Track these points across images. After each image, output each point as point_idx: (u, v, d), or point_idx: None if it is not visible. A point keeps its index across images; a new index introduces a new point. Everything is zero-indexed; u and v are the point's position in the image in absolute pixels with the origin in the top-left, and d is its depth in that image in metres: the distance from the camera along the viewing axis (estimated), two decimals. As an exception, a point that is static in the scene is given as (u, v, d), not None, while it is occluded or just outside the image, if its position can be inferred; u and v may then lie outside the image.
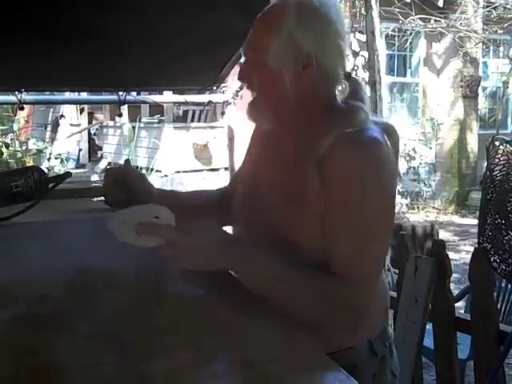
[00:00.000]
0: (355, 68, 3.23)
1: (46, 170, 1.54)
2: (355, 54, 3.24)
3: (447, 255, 2.54)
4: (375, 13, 3.15)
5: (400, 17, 9.52)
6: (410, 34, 10.44)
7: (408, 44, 10.77)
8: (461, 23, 10.25)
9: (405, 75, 11.51)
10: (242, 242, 1.26)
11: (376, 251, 1.31)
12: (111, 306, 1.00)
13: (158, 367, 0.82)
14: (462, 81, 11.03)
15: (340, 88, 1.42)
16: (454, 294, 2.74)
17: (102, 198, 1.43)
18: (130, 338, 0.90)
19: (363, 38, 3.24)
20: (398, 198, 10.69)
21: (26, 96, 3.26)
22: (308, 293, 1.23)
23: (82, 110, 7.81)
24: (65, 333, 0.90)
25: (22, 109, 3.30)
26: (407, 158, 10.93)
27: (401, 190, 10.82)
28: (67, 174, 1.41)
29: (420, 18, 10.03)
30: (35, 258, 1.18)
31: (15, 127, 9.61)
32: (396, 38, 10.48)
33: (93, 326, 0.93)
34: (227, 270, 1.20)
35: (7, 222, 1.31)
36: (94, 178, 9.88)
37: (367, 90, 3.23)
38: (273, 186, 1.36)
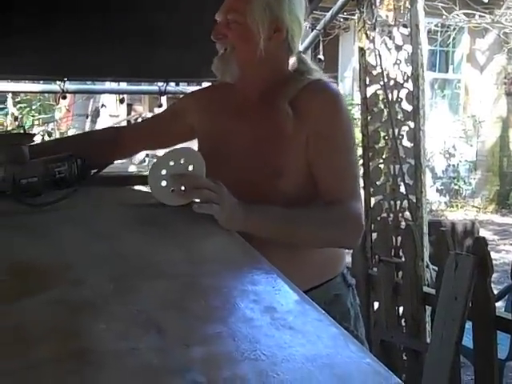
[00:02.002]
0: (398, 62, 3.18)
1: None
2: (398, 48, 3.19)
3: (489, 252, 2.50)
4: (420, 6, 3.10)
5: (444, 12, 9.39)
6: (454, 29, 10.28)
7: (451, 40, 10.61)
8: (506, 19, 10.06)
9: (447, 71, 11.33)
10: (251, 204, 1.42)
11: (357, 174, 1.61)
12: (150, 292, 1.01)
13: (196, 355, 0.82)
14: (505, 78, 10.83)
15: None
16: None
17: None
18: (169, 325, 0.89)
19: (406, 31, 3.18)
20: (437, 196, 10.57)
21: (68, 85, 3.30)
22: (320, 224, 1.49)
23: (121, 101, 7.88)
24: (102, 318, 0.90)
25: (64, 98, 3.35)
26: (447, 156, 10.79)
27: (439, 188, 10.69)
28: (109, 162, 1.42)
29: (464, 14, 9.86)
30: (75, 243, 1.19)
31: (57, 116, 9.75)
32: (439, 34, 10.33)
33: (131, 312, 0.93)
34: (249, 230, 1.37)
35: (49, 207, 1.32)
36: (132, 168, 9.97)
37: (410, 85, 3.18)
38: (248, 130, 1.57)
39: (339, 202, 1.50)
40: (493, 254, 2.59)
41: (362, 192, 1.70)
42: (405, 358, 3.10)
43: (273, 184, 1.51)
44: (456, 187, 10.86)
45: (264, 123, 1.56)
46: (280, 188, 1.52)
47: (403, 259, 3.05)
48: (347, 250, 1.79)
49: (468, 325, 2.56)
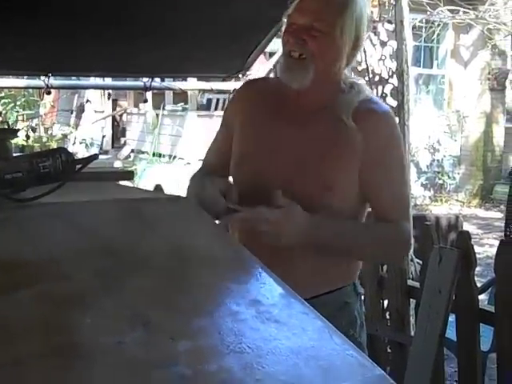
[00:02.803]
0: (383, 58, 3.19)
1: (72, 153, 1.55)
2: (383, 44, 3.20)
3: (472, 246, 2.52)
4: (405, 2, 3.11)
5: (428, 8, 9.42)
6: (438, 25, 10.31)
7: (435, 35, 10.64)
8: (490, 15, 10.11)
9: (431, 67, 11.38)
10: (315, 217, 1.48)
11: (409, 194, 1.70)
12: (136, 287, 1.01)
13: (182, 348, 0.82)
14: (489, 73, 10.89)
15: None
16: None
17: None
18: (155, 319, 0.90)
19: (391, 27, 3.20)
20: (421, 190, 10.62)
21: (52, 80, 3.28)
22: (376, 241, 1.59)
23: (109, 96, 7.86)
24: (88, 312, 0.91)
25: (49, 93, 3.33)
26: (431, 150, 10.85)
27: (424, 182, 10.75)
28: (94, 156, 1.41)
29: (448, 10, 9.90)
30: (61, 238, 1.18)
31: (41, 112, 9.70)
32: (423, 30, 10.36)
33: (117, 306, 0.93)
34: (310, 242, 1.47)
35: (34, 202, 1.32)
36: (117, 164, 9.93)
37: (394, 81, 3.20)
38: (302, 139, 1.56)
39: (393, 221, 1.57)
40: (476, 248, 2.61)
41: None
42: (389, 350, 3.12)
43: (321, 197, 1.53)
44: (440, 182, 10.92)
45: (322, 135, 1.55)
46: (328, 201, 1.53)
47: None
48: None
49: (451, 317, 2.59)
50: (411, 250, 3.09)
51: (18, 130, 7.12)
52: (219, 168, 1.71)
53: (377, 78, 3.25)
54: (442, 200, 10.65)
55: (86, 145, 10.34)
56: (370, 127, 1.53)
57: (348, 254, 1.59)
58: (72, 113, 11.33)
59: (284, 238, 1.45)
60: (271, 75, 3.63)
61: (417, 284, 2.86)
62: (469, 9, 9.99)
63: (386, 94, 3.21)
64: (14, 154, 1.49)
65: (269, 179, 1.55)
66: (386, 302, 3.13)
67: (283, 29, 1.58)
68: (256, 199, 1.53)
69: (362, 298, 1.79)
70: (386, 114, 1.60)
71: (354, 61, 1.63)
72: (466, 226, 7.66)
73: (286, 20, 1.56)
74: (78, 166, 1.38)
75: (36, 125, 9.56)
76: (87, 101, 9.67)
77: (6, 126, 7.91)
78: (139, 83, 3.68)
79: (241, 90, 1.83)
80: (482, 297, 3.07)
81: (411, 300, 2.98)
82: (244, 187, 1.60)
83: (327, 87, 1.58)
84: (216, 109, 10.73)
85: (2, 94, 9.13)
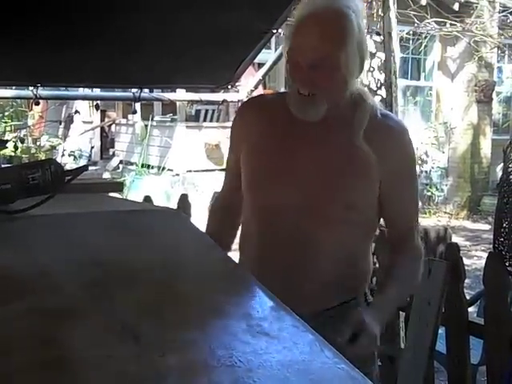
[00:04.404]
0: (371, 69, 3.21)
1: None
2: (371, 56, 3.22)
3: (461, 258, 2.53)
4: (393, 14, 3.14)
5: (415, 20, 9.50)
6: (425, 37, 10.41)
7: (422, 47, 10.74)
8: (476, 27, 10.21)
9: (418, 79, 11.47)
10: (374, 306, 1.62)
11: (418, 199, 1.77)
12: (126, 299, 1.00)
13: (172, 362, 0.82)
14: (476, 85, 10.98)
15: None
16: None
17: None
18: (145, 332, 0.89)
19: (379, 39, 3.22)
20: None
21: (41, 91, 3.28)
22: (409, 284, 1.71)
23: (97, 107, 7.84)
24: (78, 325, 0.90)
25: (37, 104, 3.32)
26: (419, 162, 10.89)
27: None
28: (84, 168, 1.40)
29: (435, 22, 10.00)
30: (50, 250, 1.18)
31: (30, 122, 9.66)
32: (410, 42, 10.46)
33: (107, 320, 0.92)
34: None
35: (23, 214, 1.31)
36: (106, 175, 9.91)
37: (383, 92, 3.22)
38: (315, 155, 1.56)
39: (405, 239, 1.66)
40: (465, 260, 2.62)
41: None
42: (379, 363, 3.11)
43: (343, 215, 1.55)
44: (428, 193, 10.97)
45: (336, 154, 1.56)
46: (349, 219, 1.56)
47: (377, 266, 3.06)
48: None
49: (441, 330, 2.59)
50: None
51: (7, 140, 7.09)
52: (238, 190, 1.72)
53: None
54: (430, 212, 10.69)
55: (75, 157, 10.31)
56: (387, 145, 1.56)
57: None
58: (60, 124, 11.29)
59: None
60: (260, 86, 3.63)
61: (406, 296, 2.86)
62: (456, 21, 10.08)
63: (375, 106, 3.22)
64: (2, 165, 1.48)
65: (288, 201, 1.56)
66: (375, 314, 3.12)
67: (286, 62, 1.54)
68: (276, 221, 1.58)
69: None
70: (401, 130, 1.64)
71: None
72: (455, 238, 7.68)
73: (287, 54, 1.53)
74: (68, 178, 1.37)
75: (24, 135, 9.51)
76: (76, 111, 9.66)
77: (-5, 137, 7.87)
78: (128, 94, 3.68)
79: (243, 113, 1.81)
80: (471, 309, 3.08)
81: (400, 312, 2.97)
82: (262, 211, 1.63)
83: (338, 107, 1.58)
84: (205, 120, 10.73)
85: (-10, 105, 9.10)
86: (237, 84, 3.68)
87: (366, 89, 1.72)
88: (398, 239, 1.68)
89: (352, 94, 1.58)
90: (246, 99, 4.56)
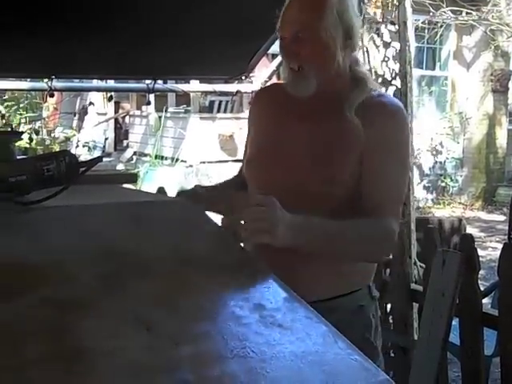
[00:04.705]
0: (386, 59, 3.19)
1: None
2: (386, 45, 3.21)
3: (475, 249, 2.51)
4: (408, 3, 3.11)
5: (431, 9, 9.42)
6: (441, 26, 10.30)
7: (438, 37, 10.62)
8: (493, 16, 10.10)
9: (433, 68, 11.37)
10: (297, 215, 1.40)
11: (403, 195, 1.63)
12: (139, 290, 1.01)
13: (185, 352, 0.82)
14: (492, 75, 10.88)
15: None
16: (481, 290, 2.70)
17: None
18: (158, 323, 0.89)
19: (394, 28, 3.20)
20: (423, 193, 10.61)
21: (56, 83, 3.29)
22: (357, 240, 1.49)
23: (110, 99, 7.85)
24: (92, 316, 0.90)
25: (52, 96, 3.33)
26: (434, 153, 10.83)
27: (426, 185, 10.73)
28: (99, 159, 1.41)
29: (451, 11, 9.90)
30: (64, 240, 1.18)
31: (44, 114, 9.70)
32: (426, 31, 10.35)
33: (120, 310, 0.93)
34: (290, 244, 1.37)
35: (38, 205, 1.32)
36: (120, 167, 9.93)
37: (397, 82, 3.20)
38: (307, 133, 1.57)
39: (378, 214, 1.50)
40: (479, 251, 2.60)
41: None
42: (392, 354, 3.11)
43: (325, 189, 1.53)
44: (443, 184, 10.91)
45: (327, 129, 1.57)
46: (332, 193, 1.53)
47: (391, 256, 3.06)
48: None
49: (455, 321, 2.58)
50: (414, 254, 3.08)
51: (22, 132, 7.12)
52: None
53: (380, 80, 3.24)
54: (444, 203, 10.63)
55: (89, 148, 10.35)
56: (376, 120, 1.53)
57: (327, 252, 1.50)
58: (75, 115, 11.33)
59: (272, 226, 1.34)
60: (274, 77, 3.63)
61: (420, 287, 2.85)
62: (472, 10, 9.97)
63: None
64: (18, 157, 1.49)
65: (275, 177, 1.58)
66: (388, 306, 3.12)
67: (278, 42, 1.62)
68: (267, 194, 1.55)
69: (377, 302, 1.73)
70: (395, 108, 1.60)
71: (357, 47, 1.62)
72: (469, 229, 7.65)
73: (277, 32, 1.59)
74: (82, 169, 1.38)
75: (39, 127, 9.56)
76: (90, 103, 9.67)
77: (10, 129, 7.91)
78: (142, 85, 3.68)
79: (255, 98, 1.93)
80: (485, 300, 3.06)
81: (414, 304, 2.97)
82: (255, 184, 1.66)
83: (333, 83, 1.59)
84: (219, 111, 10.72)
85: (6, 97, 9.14)
86: (251, 75, 3.67)
87: (369, 73, 1.70)
88: (370, 214, 1.53)
89: (353, 76, 1.60)
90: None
